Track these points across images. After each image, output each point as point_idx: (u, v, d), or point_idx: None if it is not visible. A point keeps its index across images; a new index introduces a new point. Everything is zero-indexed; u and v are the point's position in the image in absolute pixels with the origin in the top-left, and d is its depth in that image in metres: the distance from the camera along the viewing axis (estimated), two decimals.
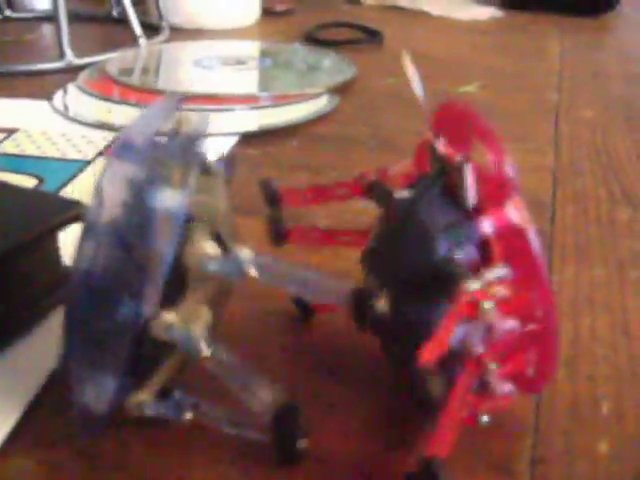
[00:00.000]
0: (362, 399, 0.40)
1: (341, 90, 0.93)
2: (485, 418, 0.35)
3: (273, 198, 0.43)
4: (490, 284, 0.33)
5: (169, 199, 0.32)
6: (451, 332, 0.32)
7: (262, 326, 0.47)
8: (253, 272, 0.34)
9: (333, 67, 1.03)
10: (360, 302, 0.33)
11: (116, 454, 0.36)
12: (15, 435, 0.37)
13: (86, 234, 0.33)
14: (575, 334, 0.46)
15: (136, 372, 0.34)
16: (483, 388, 0.35)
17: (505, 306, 0.33)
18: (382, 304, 0.34)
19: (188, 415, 0.36)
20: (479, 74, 1.02)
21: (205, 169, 0.37)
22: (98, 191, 0.33)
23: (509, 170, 0.33)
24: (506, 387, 0.35)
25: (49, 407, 0.39)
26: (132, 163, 0.33)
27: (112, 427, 0.37)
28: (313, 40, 1.17)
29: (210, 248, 0.35)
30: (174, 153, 0.34)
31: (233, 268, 0.34)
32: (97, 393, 0.33)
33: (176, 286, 0.34)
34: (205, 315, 0.35)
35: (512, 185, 0.33)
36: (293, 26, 1.28)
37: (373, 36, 1.19)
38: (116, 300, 0.32)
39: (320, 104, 0.87)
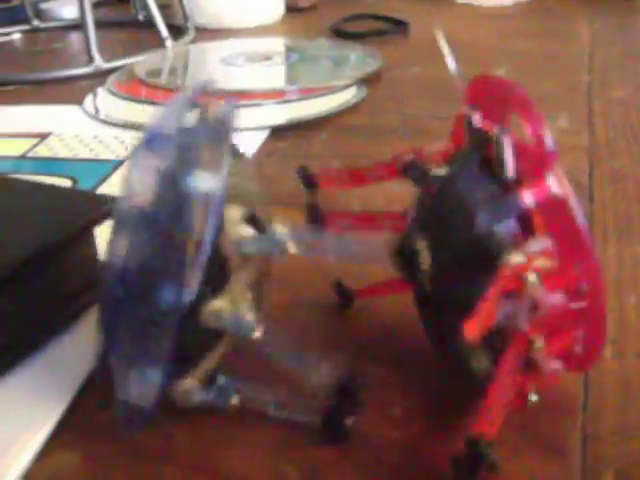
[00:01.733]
0: (405, 382, 0.40)
1: (369, 81, 0.92)
2: (534, 397, 0.34)
3: (310, 181, 0.43)
4: (533, 256, 0.32)
5: (205, 182, 0.32)
6: (495, 306, 0.31)
7: (303, 315, 0.46)
8: (292, 247, 0.34)
9: (359, 59, 1.02)
10: (404, 252, 0.33)
11: (161, 446, 0.36)
12: (60, 430, 0.38)
13: (118, 227, 0.33)
14: (621, 312, 0.45)
15: (181, 360, 0.34)
16: (530, 366, 0.34)
17: (550, 280, 0.32)
18: (426, 256, 0.33)
19: (234, 400, 0.36)
20: (507, 59, 1.00)
21: (234, 152, 0.37)
22: (127, 184, 0.33)
23: (548, 141, 0.32)
24: (554, 364, 0.34)
25: (91, 403, 0.39)
26: (161, 152, 0.33)
27: (156, 420, 0.37)
28: (338, 34, 1.16)
29: (246, 229, 0.34)
30: (204, 137, 0.34)
31: (272, 245, 0.34)
32: (142, 386, 0.33)
33: (219, 271, 0.34)
34: (249, 298, 0.34)
35: (552, 156, 0.33)
36: (317, 21, 1.27)
37: (398, 26, 1.18)
38: (155, 288, 0.32)
39: (348, 96, 0.87)
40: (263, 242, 0.34)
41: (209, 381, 0.36)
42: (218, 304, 0.34)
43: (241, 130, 0.75)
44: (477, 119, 0.35)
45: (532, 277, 0.31)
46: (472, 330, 0.31)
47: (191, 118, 0.35)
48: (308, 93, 0.88)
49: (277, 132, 0.77)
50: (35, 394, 0.40)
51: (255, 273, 0.36)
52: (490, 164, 0.34)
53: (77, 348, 0.43)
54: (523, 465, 0.34)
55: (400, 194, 0.40)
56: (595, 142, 0.72)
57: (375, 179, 0.42)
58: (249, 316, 0.34)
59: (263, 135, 0.75)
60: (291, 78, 0.98)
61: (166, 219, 0.33)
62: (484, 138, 0.35)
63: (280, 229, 0.35)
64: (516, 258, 0.31)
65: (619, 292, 0.47)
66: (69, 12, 1.39)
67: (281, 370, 0.34)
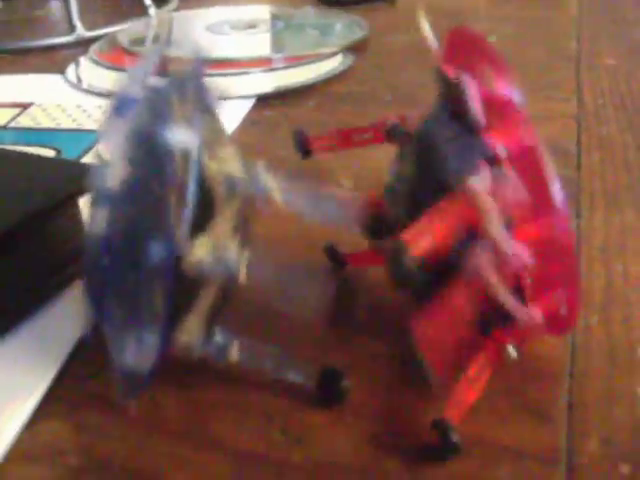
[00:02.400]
0: (392, 351, 0.40)
1: (356, 49, 0.91)
2: (513, 353, 0.34)
3: (306, 146, 0.42)
4: (501, 200, 0.31)
5: (182, 134, 0.31)
6: (445, 229, 0.31)
7: (291, 280, 0.46)
8: (278, 195, 0.34)
9: (346, 27, 1.01)
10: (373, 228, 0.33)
11: (150, 415, 0.36)
12: (47, 399, 0.37)
13: (96, 199, 0.33)
14: (608, 280, 0.45)
15: (175, 317, 0.33)
16: (508, 321, 0.34)
17: (520, 234, 0.32)
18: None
19: (233, 355, 0.35)
20: (496, 25, 0.99)
21: (207, 107, 0.37)
22: (101, 153, 0.33)
23: (514, 93, 0.32)
24: (533, 315, 0.33)
25: (80, 372, 0.39)
26: (130, 115, 0.32)
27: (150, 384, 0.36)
28: (325, 1, 1.15)
29: (236, 167, 0.34)
30: (173, 92, 0.34)
31: (257, 189, 0.34)
32: (139, 350, 0.33)
33: (204, 212, 0.33)
34: (235, 239, 0.34)
35: (518, 107, 0.32)
36: None
37: None
38: (143, 247, 0.31)
39: (335, 63, 0.86)
40: (250, 185, 0.34)
41: (207, 334, 0.35)
42: (200, 250, 0.33)
43: (226, 98, 0.75)
44: (444, 68, 0.35)
45: (495, 217, 0.31)
46: (410, 239, 0.30)
47: (157, 78, 0.35)
48: (294, 61, 0.87)
49: (263, 101, 0.76)
50: (23, 364, 0.39)
51: (240, 214, 0.36)
52: (460, 112, 0.34)
53: (64, 318, 0.43)
54: (510, 431, 0.34)
55: (385, 165, 0.40)
56: (583, 109, 0.72)
57: (362, 142, 0.42)
58: (233, 257, 0.33)
59: (249, 104, 0.74)
60: (277, 46, 0.97)
61: (144, 179, 0.32)
62: (451, 85, 0.34)
63: (263, 177, 0.34)
64: (476, 180, 0.31)
65: (606, 259, 0.47)
66: None
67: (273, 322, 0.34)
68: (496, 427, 0.35)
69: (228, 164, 0.34)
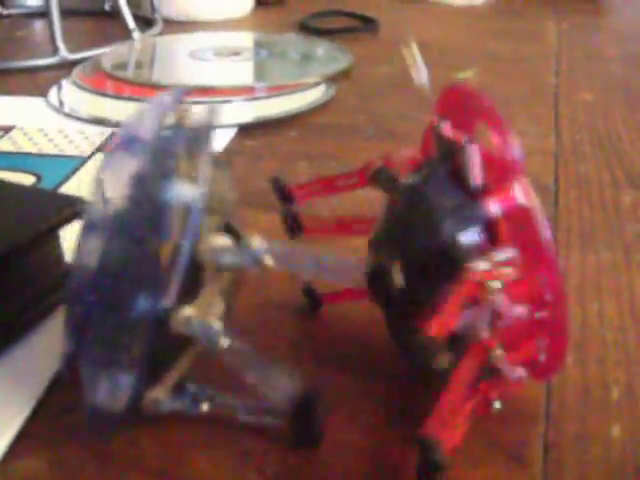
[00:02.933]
0: (371, 388, 0.40)
1: (338, 79, 0.92)
2: (497, 405, 0.35)
3: (285, 195, 0.43)
4: (497, 265, 0.32)
5: (184, 191, 0.32)
6: (457, 309, 0.32)
7: (271, 318, 0.46)
8: (269, 261, 0.34)
9: (329, 56, 1.02)
10: (377, 275, 0.33)
11: (127, 452, 0.36)
12: (23, 435, 0.37)
13: (88, 230, 0.33)
14: (583, 319, 0.46)
15: (152, 368, 0.33)
16: (494, 374, 0.34)
17: (513, 290, 0.33)
18: (398, 277, 0.33)
19: (205, 407, 0.36)
20: (476, 59, 1.01)
21: (214, 161, 0.37)
22: (99, 186, 0.32)
23: (515, 151, 0.33)
24: (517, 372, 0.34)
25: (56, 406, 0.39)
26: (137, 156, 0.32)
27: (124, 425, 0.36)
28: (308, 29, 1.16)
29: (223, 240, 0.34)
30: (182, 145, 0.34)
31: (249, 259, 0.34)
32: (112, 392, 0.33)
33: (193, 279, 0.34)
34: (220, 307, 0.34)
35: (518, 166, 0.33)
36: (287, 16, 1.27)
37: (368, 24, 1.18)
38: (131, 295, 0.31)
39: (317, 94, 0.86)
40: (241, 255, 0.34)
41: (178, 389, 0.35)
42: (188, 311, 0.33)
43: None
44: (445, 128, 0.36)
45: (494, 284, 0.32)
46: (433, 327, 0.31)
47: (169, 123, 0.35)
48: (277, 90, 0.87)
49: (245, 130, 0.76)
50: None
51: (229, 282, 0.36)
52: (458, 173, 0.34)
53: (42, 351, 0.42)
54: (485, 473, 0.35)
55: (369, 200, 0.40)
56: (561, 146, 0.73)
57: (346, 188, 0.42)
58: (217, 325, 0.34)
59: (231, 133, 0.75)
60: (260, 74, 0.98)
61: (141, 225, 0.32)
62: (452, 147, 0.35)
63: (258, 242, 0.34)
64: (480, 265, 0.32)
65: (582, 298, 0.48)
66: None
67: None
68: (471, 469, 0.35)
69: (217, 236, 0.35)
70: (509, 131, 0.33)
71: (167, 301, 0.31)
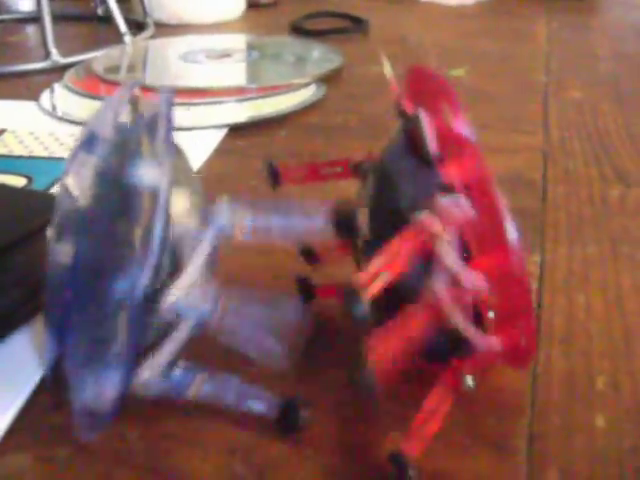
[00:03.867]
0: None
1: (328, 79, 0.93)
2: (469, 381, 0.35)
3: (276, 177, 0.43)
4: (451, 222, 0.32)
5: (149, 174, 0.32)
6: (404, 259, 0.32)
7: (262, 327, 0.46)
8: (239, 234, 0.34)
9: (320, 57, 1.02)
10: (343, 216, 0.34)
11: (114, 447, 0.36)
12: (12, 431, 0.37)
13: (58, 232, 0.33)
14: (570, 311, 0.46)
15: (139, 354, 0.33)
16: (467, 350, 0.34)
17: (474, 264, 0.33)
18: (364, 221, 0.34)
19: (193, 389, 0.36)
20: (467, 58, 1.01)
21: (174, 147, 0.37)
22: (65, 186, 0.33)
23: (465, 125, 0.33)
24: (489, 343, 0.34)
25: (46, 402, 0.39)
26: (98, 152, 0.33)
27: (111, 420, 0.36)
28: (299, 31, 1.16)
29: (192, 219, 0.34)
30: (141, 131, 0.34)
31: (220, 234, 0.34)
32: (100, 387, 0.33)
33: (170, 260, 0.34)
34: (204, 284, 0.34)
35: (467, 139, 0.34)
36: (279, 18, 1.27)
37: (359, 24, 1.18)
38: (108, 284, 0.32)
39: (307, 94, 0.87)
40: (214, 231, 0.34)
41: (167, 370, 0.35)
42: (174, 295, 0.33)
43: (199, 128, 0.75)
44: (403, 103, 0.36)
45: (446, 239, 0.32)
46: (363, 282, 0.31)
47: (127, 114, 0.35)
48: (268, 91, 0.88)
49: (236, 130, 0.76)
50: None
51: (207, 258, 0.36)
52: (415, 144, 0.35)
53: (31, 348, 0.43)
54: (470, 464, 0.35)
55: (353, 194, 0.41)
56: (550, 142, 0.73)
57: (332, 176, 0.43)
58: (207, 307, 0.34)
59: (221, 133, 0.75)
60: (251, 76, 0.98)
61: (110, 216, 0.32)
62: (408, 119, 0.36)
63: (225, 215, 0.35)
64: (425, 214, 0.32)
65: (569, 291, 0.48)
66: (26, 4, 1.37)
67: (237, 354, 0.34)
68: (456, 460, 0.35)
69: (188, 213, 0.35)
70: (460, 106, 0.34)
71: (143, 284, 0.31)
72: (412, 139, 0.35)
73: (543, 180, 0.65)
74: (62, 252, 0.34)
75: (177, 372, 0.36)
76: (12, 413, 0.38)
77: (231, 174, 0.66)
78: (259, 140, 0.74)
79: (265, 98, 0.86)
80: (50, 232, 0.36)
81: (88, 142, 0.34)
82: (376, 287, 0.32)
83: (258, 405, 0.36)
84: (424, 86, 0.37)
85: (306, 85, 0.90)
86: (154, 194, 0.31)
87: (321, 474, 0.35)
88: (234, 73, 0.98)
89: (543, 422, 0.37)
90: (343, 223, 0.34)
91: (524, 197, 0.61)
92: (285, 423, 0.36)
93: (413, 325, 0.33)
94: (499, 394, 0.38)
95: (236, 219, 0.34)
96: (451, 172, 0.34)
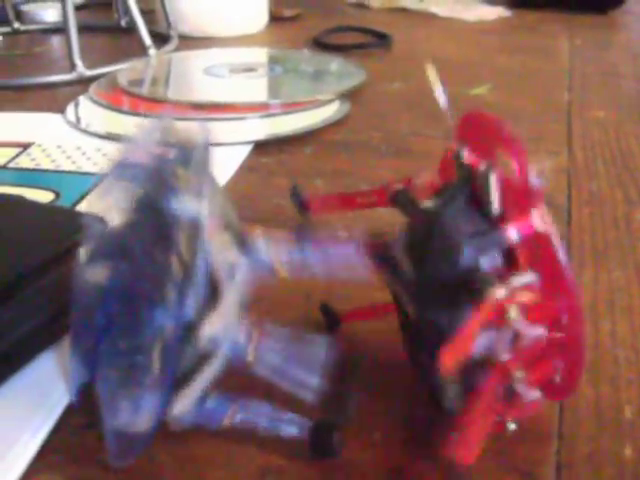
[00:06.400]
0: (387, 409, 0.40)
1: (351, 95, 0.93)
2: (512, 426, 0.35)
3: (302, 206, 0.43)
4: (516, 290, 0.33)
5: (189, 204, 0.32)
6: (473, 337, 0.32)
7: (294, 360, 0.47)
8: (282, 270, 0.34)
9: (342, 72, 1.03)
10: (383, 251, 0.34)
11: (145, 469, 0.37)
12: (43, 452, 0.38)
13: (91, 258, 0.34)
14: (596, 338, 0.46)
15: (176, 384, 0.34)
16: (510, 395, 0.35)
17: (531, 313, 0.33)
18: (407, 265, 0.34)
19: (227, 419, 0.36)
20: (489, 75, 1.02)
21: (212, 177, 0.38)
22: (100, 210, 0.33)
23: (533, 178, 0.33)
24: (533, 394, 0.35)
25: (77, 422, 0.40)
26: (134, 180, 0.33)
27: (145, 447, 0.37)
28: (321, 45, 1.17)
29: (234, 254, 0.35)
30: (179, 162, 0.35)
31: (263, 270, 0.34)
32: (136, 412, 0.33)
33: (210, 294, 0.34)
34: (242, 320, 0.35)
35: (536, 193, 0.33)
36: (301, 32, 1.28)
37: (381, 39, 1.19)
38: (143, 312, 0.32)
39: (331, 110, 0.87)
40: (253, 267, 0.35)
41: (201, 401, 0.36)
42: (211, 327, 0.34)
43: (223, 144, 0.76)
44: (465, 154, 0.36)
45: (514, 310, 0.32)
46: (448, 359, 0.31)
47: (160, 143, 0.36)
48: (291, 107, 0.88)
49: (260, 147, 0.77)
50: (19, 415, 0.40)
51: (243, 293, 0.37)
52: (478, 199, 0.35)
53: (61, 367, 0.43)
54: None
55: (383, 215, 0.40)
56: (574, 163, 0.73)
57: (365, 205, 0.43)
58: (242, 339, 0.34)
59: (246, 150, 0.76)
60: (274, 91, 0.99)
61: (147, 242, 0.33)
62: (472, 173, 0.35)
63: (264, 250, 0.35)
64: (499, 291, 0.32)
65: (595, 318, 0.48)
66: (50, 15, 1.39)
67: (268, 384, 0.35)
68: None
69: (226, 247, 0.35)
70: (526, 158, 0.34)
71: (184, 316, 0.32)
72: (475, 192, 0.35)
73: (567, 202, 0.65)
74: (94, 274, 0.35)
75: (210, 403, 0.36)
76: (43, 433, 0.39)
77: (256, 192, 0.67)
78: (283, 157, 0.75)
79: (289, 114, 0.86)
80: (82, 253, 0.37)
81: (121, 167, 0.34)
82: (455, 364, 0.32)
83: (291, 429, 0.36)
84: (481, 131, 0.37)
85: (329, 102, 0.90)
86: (194, 224, 0.32)
87: None
88: (257, 88, 0.99)
89: (571, 451, 0.38)
90: (381, 257, 0.34)
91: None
92: (317, 446, 0.36)
93: (485, 395, 0.34)
94: (526, 422, 0.38)
95: (273, 254, 0.35)
96: (515, 232, 0.34)
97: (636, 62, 1.10)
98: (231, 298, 0.34)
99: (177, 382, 0.35)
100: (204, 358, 0.35)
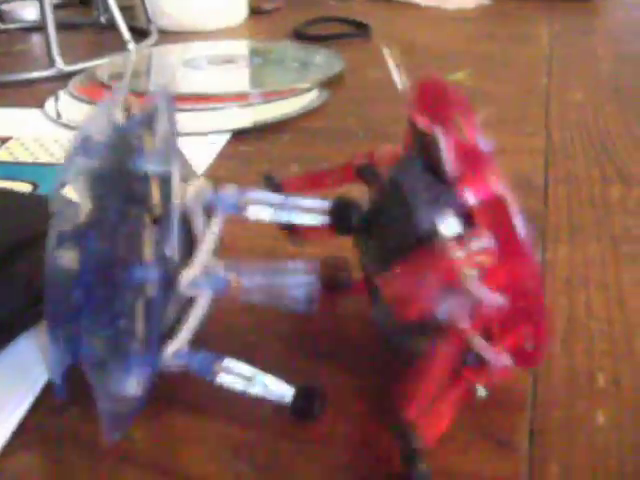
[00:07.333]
0: (361, 383, 0.41)
1: (330, 84, 0.93)
2: (482, 392, 0.35)
3: (276, 189, 0.43)
4: (474, 253, 0.33)
5: (157, 160, 0.32)
6: (433, 292, 0.32)
7: (258, 315, 0.47)
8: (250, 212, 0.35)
9: (323, 62, 1.03)
10: (342, 210, 0.34)
11: (120, 446, 0.37)
12: (19, 432, 0.38)
13: (60, 237, 0.34)
14: (571, 311, 0.47)
15: (162, 341, 0.34)
16: (480, 362, 0.35)
17: (491, 278, 0.33)
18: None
19: (218, 369, 0.36)
20: (468, 62, 1.02)
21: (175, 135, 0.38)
22: (63, 190, 0.33)
23: (483, 140, 0.34)
24: (501, 359, 0.35)
25: (52, 405, 0.40)
26: (95, 155, 0.33)
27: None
28: (302, 36, 1.17)
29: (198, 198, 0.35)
30: (141, 127, 0.34)
31: (230, 209, 0.35)
32: (128, 375, 0.33)
33: (184, 243, 0.34)
34: (217, 262, 0.35)
35: (487, 157, 0.34)
36: (281, 24, 1.28)
37: (361, 29, 1.19)
38: (123, 275, 0.32)
39: (310, 98, 0.87)
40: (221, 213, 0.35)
41: (194, 347, 0.36)
42: (192, 272, 0.34)
43: (202, 134, 0.76)
44: (418, 120, 0.36)
45: (470, 271, 0.32)
46: (409, 312, 0.32)
47: (120, 117, 0.36)
48: (271, 96, 0.88)
49: (239, 135, 0.77)
50: None
51: (215, 242, 0.37)
52: (432, 164, 0.35)
53: (36, 351, 0.43)
54: (472, 459, 0.35)
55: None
56: (551, 144, 0.73)
57: (333, 183, 0.43)
58: (223, 274, 0.34)
59: (225, 138, 0.76)
60: (254, 81, 0.99)
61: (117, 209, 0.33)
62: (425, 137, 0.36)
63: (230, 194, 0.35)
64: (457, 252, 0.32)
65: (570, 291, 0.49)
66: (30, 14, 1.38)
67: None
68: (458, 456, 0.35)
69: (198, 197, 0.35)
70: (476, 122, 0.34)
71: (170, 252, 0.32)
72: (428, 156, 0.35)
73: (545, 181, 0.65)
74: (65, 258, 0.35)
75: (200, 355, 0.36)
76: (19, 414, 0.39)
77: (234, 179, 0.67)
78: (262, 145, 0.75)
79: (268, 103, 0.86)
80: (50, 239, 0.37)
81: (82, 147, 0.34)
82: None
83: (273, 393, 0.36)
84: (434, 97, 0.37)
85: (309, 90, 0.90)
86: (164, 179, 0.32)
87: (327, 472, 0.35)
88: (237, 79, 0.99)
89: (544, 418, 0.38)
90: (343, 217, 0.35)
91: (526, 198, 0.61)
92: (301, 408, 0.36)
93: (441, 365, 0.34)
94: (500, 390, 0.39)
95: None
96: (468, 191, 0.34)
97: (614, 46, 1.11)
98: (207, 245, 0.34)
99: (163, 338, 0.35)
100: (187, 307, 0.35)
